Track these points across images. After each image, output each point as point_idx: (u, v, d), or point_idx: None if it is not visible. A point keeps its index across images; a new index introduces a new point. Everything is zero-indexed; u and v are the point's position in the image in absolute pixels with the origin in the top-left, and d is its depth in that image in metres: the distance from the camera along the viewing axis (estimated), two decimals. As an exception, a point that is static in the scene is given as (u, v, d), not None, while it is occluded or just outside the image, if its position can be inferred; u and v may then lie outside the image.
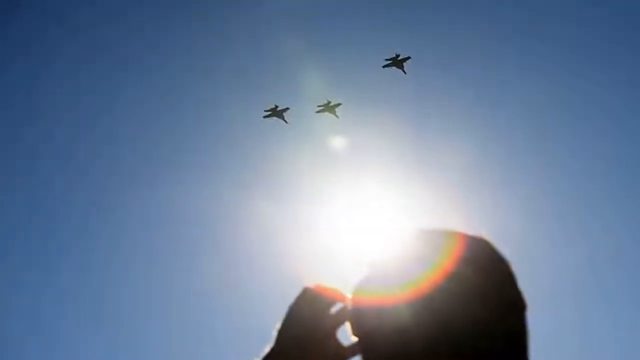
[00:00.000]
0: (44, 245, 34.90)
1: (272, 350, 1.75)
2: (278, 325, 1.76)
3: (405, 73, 31.29)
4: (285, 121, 31.01)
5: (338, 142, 30.66)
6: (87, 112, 36.09)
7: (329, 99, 30.54)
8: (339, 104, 30.57)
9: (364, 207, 27.53)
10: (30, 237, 35.17)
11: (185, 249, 35.54)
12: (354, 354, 1.73)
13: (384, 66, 31.26)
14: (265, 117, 30.98)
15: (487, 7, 36.03)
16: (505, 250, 1.61)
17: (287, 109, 30.87)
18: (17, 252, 34.93)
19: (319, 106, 30.56)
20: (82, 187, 35.61)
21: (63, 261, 35.39)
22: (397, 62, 31.10)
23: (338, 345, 1.76)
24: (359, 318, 1.61)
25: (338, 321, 1.75)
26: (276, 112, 30.85)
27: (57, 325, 33.07)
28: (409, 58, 31.12)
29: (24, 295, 32.63)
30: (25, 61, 34.77)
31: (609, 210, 36.35)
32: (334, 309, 1.76)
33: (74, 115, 35.41)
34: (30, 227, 36.20)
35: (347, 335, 1.68)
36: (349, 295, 1.66)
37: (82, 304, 32.68)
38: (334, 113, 30.65)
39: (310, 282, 1.78)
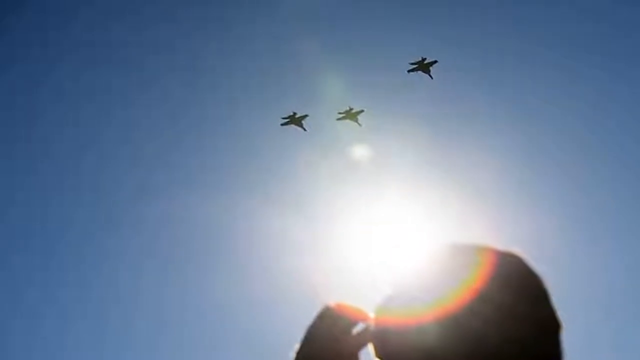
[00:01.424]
0: (51, 255, 35.16)
1: (290, 373, 1.75)
2: (296, 347, 1.76)
3: (432, 78, 31.29)
4: (303, 129, 31.06)
5: (360, 152, 30.65)
6: (95, 118, 36.25)
7: (351, 106, 30.55)
8: (361, 111, 30.57)
9: (387, 221, 27.48)
10: (39, 247, 35.41)
11: (196, 263, 35.58)
12: (377, 378, 1.72)
13: (409, 71, 31.24)
14: (282, 124, 31.04)
15: (523, 6, 35.97)
16: (539, 266, 1.60)
17: (306, 116, 30.91)
18: (23, 263, 35.22)
19: (339, 113, 30.57)
20: (91, 196, 35.80)
21: (71, 275, 35.59)
22: (423, 66, 31.07)
23: (360, 368, 1.76)
24: (382, 339, 1.61)
25: (360, 342, 1.74)
26: (294, 120, 30.88)
27: (61, 339, 33.28)
28: (436, 62, 31.10)
29: (30, 307, 32.90)
30: (33, 63, 35.08)
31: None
32: (355, 330, 1.76)
33: (81, 121, 35.63)
34: (38, 237, 36.44)
35: (369, 358, 1.68)
36: (372, 315, 1.66)
37: (90, 316, 32.87)
38: (356, 121, 30.65)
39: (331, 301, 1.78)
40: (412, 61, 31.14)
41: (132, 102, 35.57)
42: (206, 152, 37.45)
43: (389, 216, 28.01)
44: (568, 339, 1.57)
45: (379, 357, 1.62)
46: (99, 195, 34.99)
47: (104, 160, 36.44)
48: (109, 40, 33.63)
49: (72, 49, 34.84)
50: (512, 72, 35.12)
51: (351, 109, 30.50)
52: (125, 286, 33.58)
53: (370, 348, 1.67)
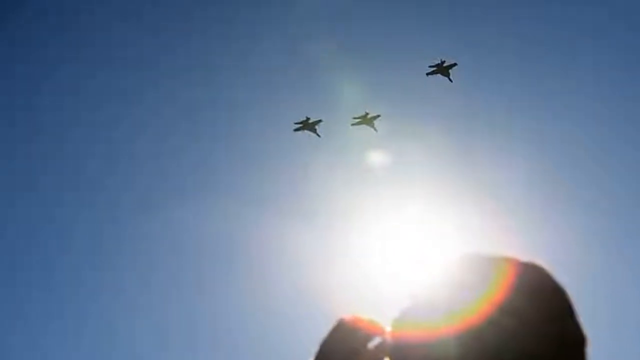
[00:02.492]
0: (60, 267, 35.32)
1: (304, 388, 1.76)
2: (310, 362, 1.77)
3: (451, 81, 31.25)
4: (317, 135, 31.06)
5: (377, 159, 30.61)
6: (98, 124, 36.33)
7: (367, 110, 30.54)
8: (377, 116, 30.55)
9: (405, 231, 27.43)
10: (50, 260, 35.55)
11: (204, 277, 35.60)
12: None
13: (428, 74, 31.21)
14: (295, 130, 31.03)
15: (546, 7, 35.88)
16: (562, 277, 1.60)
17: (320, 121, 30.90)
18: (32, 275, 35.39)
19: (355, 118, 30.55)
20: (92, 207, 35.88)
21: (80, 291, 35.72)
22: (442, 69, 31.04)
23: (376, 383, 1.76)
24: (400, 353, 1.61)
25: (377, 357, 1.75)
26: (307, 125, 30.87)
27: (65, 354, 33.40)
28: (455, 65, 31.07)
29: (35, 321, 33.01)
30: (37, 68, 35.26)
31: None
32: (372, 344, 1.76)
33: (84, 126, 35.75)
34: (49, 251, 36.59)
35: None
36: (389, 328, 1.66)
37: (99, 331, 32.96)
38: (372, 126, 30.63)
39: (346, 314, 1.79)
40: (431, 64, 31.13)
41: (137, 105, 35.67)
42: (214, 159, 37.57)
43: (407, 226, 27.98)
44: (594, 353, 1.58)
45: (396, 373, 1.63)
46: (101, 206, 35.08)
47: (108, 168, 36.53)
48: (113, 41, 33.76)
49: (76, 50, 34.99)
50: (536, 76, 35.04)
51: (367, 114, 30.50)
52: (130, 299, 33.64)
53: (386, 363, 1.67)
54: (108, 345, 32.62)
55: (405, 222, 28.35)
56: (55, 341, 33.78)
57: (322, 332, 1.78)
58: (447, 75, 31.11)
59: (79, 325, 34.09)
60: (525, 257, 1.63)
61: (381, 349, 1.74)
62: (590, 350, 1.58)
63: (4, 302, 34.96)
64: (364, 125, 30.61)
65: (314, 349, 1.77)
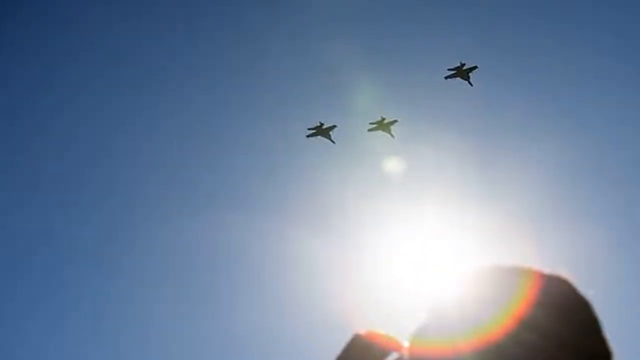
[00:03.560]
0: (76, 277, 35.54)
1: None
2: (323, 378, 1.76)
3: (471, 85, 31.25)
4: (332, 141, 31.08)
5: (393, 166, 30.60)
6: (106, 131, 36.46)
7: (383, 116, 30.55)
8: (394, 121, 30.56)
9: (423, 241, 27.42)
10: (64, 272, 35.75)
11: (214, 287, 35.68)
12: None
13: (447, 77, 31.23)
14: (308, 136, 31.07)
15: (569, 8, 35.84)
16: (588, 290, 1.60)
17: (334, 126, 30.94)
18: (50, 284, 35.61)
19: (371, 124, 30.58)
20: (103, 216, 36.00)
21: (91, 306, 35.90)
22: (462, 73, 31.05)
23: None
24: (417, 370, 1.61)
25: (393, 374, 1.75)
26: (321, 131, 30.90)
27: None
28: (475, 68, 31.07)
29: (40, 329, 33.23)
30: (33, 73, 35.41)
31: None
32: (388, 360, 1.76)
33: (96, 131, 35.89)
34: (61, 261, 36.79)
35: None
36: (406, 344, 1.66)
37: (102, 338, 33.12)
38: (389, 132, 30.64)
39: (361, 329, 1.78)
40: (450, 67, 31.13)
41: (146, 111, 35.78)
42: (224, 167, 37.64)
43: (425, 236, 27.95)
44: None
45: (413, 390, 1.62)
46: (112, 216, 35.20)
47: (116, 175, 36.64)
48: (123, 44, 33.88)
49: (88, 54, 35.16)
50: (560, 79, 34.98)
51: (384, 119, 30.51)
52: (140, 309, 33.74)
53: (403, 380, 1.67)
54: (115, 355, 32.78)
55: (422, 232, 28.34)
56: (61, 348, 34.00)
57: (337, 347, 1.78)
58: (467, 78, 31.11)
59: (86, 332, 34.28)
60: (548, 268, 1.62)
61: (398, 365, 1.74)
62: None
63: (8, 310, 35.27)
64: (380, 131, 30.63)
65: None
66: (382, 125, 30.53)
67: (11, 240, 36.45)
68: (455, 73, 31.09)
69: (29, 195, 35.96)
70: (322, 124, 30.89)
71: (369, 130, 30.67)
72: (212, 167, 37.21)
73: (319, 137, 31.01)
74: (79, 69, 35.64)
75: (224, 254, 33.19)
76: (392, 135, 30.66)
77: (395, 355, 1.75)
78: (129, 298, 33.84)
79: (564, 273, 1.62)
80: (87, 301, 36.10)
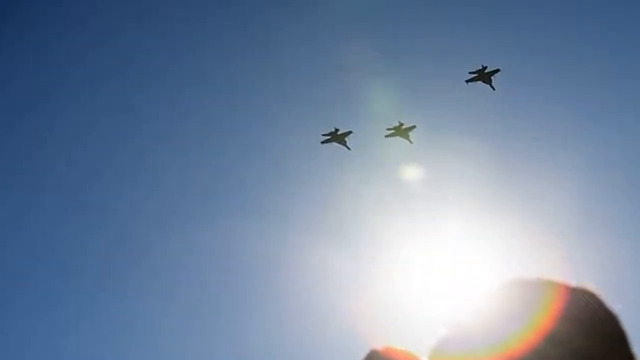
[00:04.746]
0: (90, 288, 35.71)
1: None
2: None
3: (493, 89, 31.21)
4: (347, 147, 31.07)
5: (411, 174, 30.57)
6: (114, 138, 36.60)
7: (401, 121, 30.54)
8: (413, 127, 30.54)
9: (442, 253, 27.37)
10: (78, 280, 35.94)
11: (228, 300, 35.70)
12: None
13: (468, 81, 31.19)
14: (323, 142, 31.07)
15: (597, 9, 35.75)
16: (615, 305, 1.60)
17: (350, 132, 30.93)
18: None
19: (388, 129, 30.56)
20: (115, 224, 36.10)
21: (104, 315, 36.07)
22: (483, 76, 31.01)
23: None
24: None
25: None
26: (336, 137, 30.90)
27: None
28: (498, 71, 31.03)
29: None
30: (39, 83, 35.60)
31: None
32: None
33: (107, 137, 36.01)
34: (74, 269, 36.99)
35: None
36: (425, 360, 1.66)
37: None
38: (407, 138, 30.62)
39: (378, 344, 1.78)
40: (472, 70, 31.10)
41: (156, 117, 35.86)
42: (234, 174, 37.60)
43: (445, 247, 27.90)
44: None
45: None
46: (118, 224, 35.27)
47: (121, 186, 36.73)
48: (127, 46, 33.98)
49: (96, 61, 35.28)
50: (589, 82, 34.84)
51: (401, 124, 30.49)
52: (148, 321, 33.81)
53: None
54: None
55: (442, 243, 28.29)
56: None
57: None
58: (489, 82, 31.07)
59: (93, 346, 34.42)
60: (574, 281, 1.62)
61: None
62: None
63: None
64: (398, 137, 30.61)
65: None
66: (400, 130, 30.51)
67: (11, 253, 36.61)
68: (476, 76, 31.07)
69: (33, 203, 36.12)
70: (337, 130, 30.89)
71: (386, 136, 30.66)
72: (222, 175, 37.29)
73: (334, 143, 31.01)
74: (86, 73, 35.77)
75: (235, 264, 33.21)
76: (411, 141, 30.65)
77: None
78: (138, 310, 33.92)
79: (591, 286, 1.62)
80: (94, 314, 36.18)
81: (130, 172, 36.46)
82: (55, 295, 36.01)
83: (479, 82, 31.11)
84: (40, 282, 36.51)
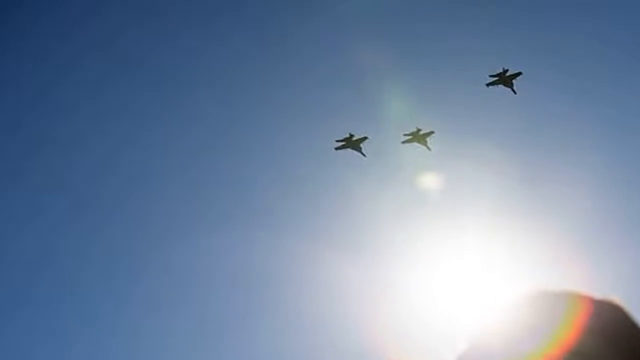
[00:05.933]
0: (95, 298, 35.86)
1: None
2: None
3: (515, 93, 31.16)
4: (362, 154, 31.07)
5: (429, 181, 30.54)
6: (121, 142, 36.71)
7: (419, 126, 30.53)
8: (431, 133, 30.53)
9: (461, 263, 27.35)
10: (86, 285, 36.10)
11: (238, 311, 35.70)
12: None
13: (489, 84, 31.17)
14: (337, 148, 31.06)
15: (620, 11, 35.71)
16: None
17: (365, 138, 30.91)
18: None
19: (405, 135, 30.55)
20: (122, 230, 36.23)
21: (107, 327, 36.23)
22: (504, 79, 30.98)
23: None
24: (455, 403, 1.60)
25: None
26: (351, 143, 30.89)
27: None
28: (519, 74, 30.99)
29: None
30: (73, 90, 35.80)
31: None
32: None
33: (111, 144, 36.15)
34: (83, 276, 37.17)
35: None
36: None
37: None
38: (425, 144, 30.61)
39: (393, 357, 1.78)
40: (492, 73, 31.07)
41: (164, 122, 35.97)
42: (245, 180, 37.58)
43: (464, 258, 27.87)
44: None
45: None
46: (124, 232, 35.41)
47: (128, 191, 36.86)
48: (132, 49, 34.12)
49: (104, 65, 35.43)
50: (614, 87, 34.79)
51: (419, 130, 30.48)
52: (155, 332, 33.91)
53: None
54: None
55: (461, 253, 28.26)
56: None
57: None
58: (510, 86, 31.03)
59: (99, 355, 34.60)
60: (599, 293, 1.62)
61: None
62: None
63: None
64: (415, 143, 30.60)
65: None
66: (418, 136, 30.50)
67: (14, 257, 36.79)
68: (497, 80, 31.04)
69: (35, 212, 36.30)
70: (352, 136, 30.87)
71: (403, 142, 30.65)
72: (232, 181, 37.25)
73: (348, 149, 31.00)
74: (89, 77, 35.89)
75: (245, 274, 33.21)
76: (429, 148, 30.63)
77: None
78: (144, 320, 33.99)
79: (616, 298, 1.61)
80: (98, 323, 36.31)
81: (135, 178, 36.51)
82: (58, 303, 36.12)
83: (500, 86, 31.08)
84: (42, 286, 36.69)
